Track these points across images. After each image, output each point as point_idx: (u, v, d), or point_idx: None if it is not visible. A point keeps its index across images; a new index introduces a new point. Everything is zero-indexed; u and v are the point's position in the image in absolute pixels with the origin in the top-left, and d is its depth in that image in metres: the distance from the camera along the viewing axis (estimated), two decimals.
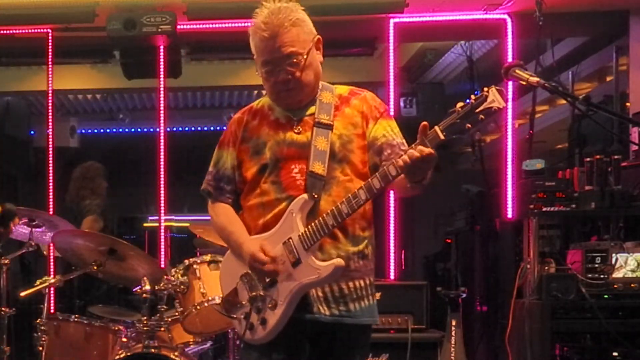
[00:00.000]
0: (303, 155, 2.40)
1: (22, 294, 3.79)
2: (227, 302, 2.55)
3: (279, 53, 2.35)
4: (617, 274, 4.11)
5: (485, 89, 2.15)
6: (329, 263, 2.32)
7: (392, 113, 2.55)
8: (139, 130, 9.20)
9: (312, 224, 2.33)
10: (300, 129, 2.44)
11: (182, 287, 3.68)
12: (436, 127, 2.18)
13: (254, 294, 2.41)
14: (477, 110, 2.14)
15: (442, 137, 2.16)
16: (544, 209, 4.24)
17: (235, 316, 2.51)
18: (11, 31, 5.47)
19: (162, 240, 5.68)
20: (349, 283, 2.41)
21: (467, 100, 2.15)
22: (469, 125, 2.14)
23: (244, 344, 2.51)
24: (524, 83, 2.33)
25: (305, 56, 2.38)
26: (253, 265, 2.40)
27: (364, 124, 2.45)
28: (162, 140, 5.59)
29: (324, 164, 2.38)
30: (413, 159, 2.16)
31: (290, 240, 2.36)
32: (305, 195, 2.37)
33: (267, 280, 2.40)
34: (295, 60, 2.36)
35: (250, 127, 2.51)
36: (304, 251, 2.34)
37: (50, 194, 5.51)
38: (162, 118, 5.69)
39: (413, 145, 2.20)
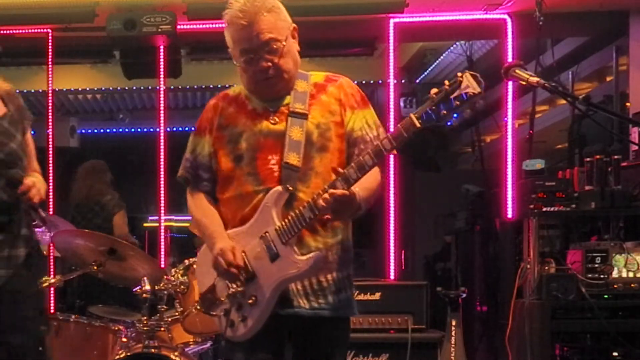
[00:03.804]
0: (279, 146, 2.37)
1: None
2: (205, 299, 2.50)
3: (258, 40, 2.32)
4: (617, 274, 4.12)
5: (459, 74, 2.13)
6: (308, 256, 2.29)
7: (367, 99, 2.51)
8: (139, 130, 9.20)
9: (289, 217, 2.29)
10: (277, 119, 2.39)
11: (182, 287, 3.68)
12: (411, 115, 2.16)
13: (232, 290, 2.36)
14: (452, 96, 2.12)
15: (417, 124, 2.15)
16: (544, 209, 4.24)
17: (214, 313, 2.46)
18: (11, 31, 5.47)
19: (162, 240, 5.68)
20: (328, 275, 2.38)
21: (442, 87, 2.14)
22: (445, 112, 2.13)
23: (227, 342, 2.47)
24: (524, 83, 2.32)
25: (283, 43, 2.34)
26: (218, 262, 2.35)
27: (342, 111, 2.41)
28: (162, 140, 5.59)
29: (299, 155, 2.34)
30: (328, 202, 2.18)
31: (267, 234, 2.33)
32: (279, 188, 2.33)
33: (246, 275, 2.35)
34: (274, 46, 2.33)
35: (226, 114, 2.47)
36: (281, 245, 2.31)
37: (50, 194, 5.50)
38: (162, 118, 5.69)
39: (327, 187, 2.20)
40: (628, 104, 5.37)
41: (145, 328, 3.58)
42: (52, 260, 5.27)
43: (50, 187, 5.52)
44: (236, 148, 2.41)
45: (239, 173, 2.40)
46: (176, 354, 3.54)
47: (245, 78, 2.42)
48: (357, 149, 2.39)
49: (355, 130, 2.41)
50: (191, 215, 2.57)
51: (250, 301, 2.35)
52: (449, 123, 7.01)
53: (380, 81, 6.83)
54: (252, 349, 2.39)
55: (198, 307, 2.64)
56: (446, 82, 2.14)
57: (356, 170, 2.21)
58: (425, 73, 7.41)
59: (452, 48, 6.73)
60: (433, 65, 7.22)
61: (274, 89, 2.40)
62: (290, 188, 2.33)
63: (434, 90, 2.15)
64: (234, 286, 2.36)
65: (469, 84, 2.10)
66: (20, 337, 2.60)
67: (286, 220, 2.30)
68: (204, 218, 2.49)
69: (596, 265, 4.11)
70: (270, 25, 2.32)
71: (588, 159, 4.30)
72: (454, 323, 4.49)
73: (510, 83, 5.07)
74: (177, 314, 3.74)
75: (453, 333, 4.47)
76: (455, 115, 2.08)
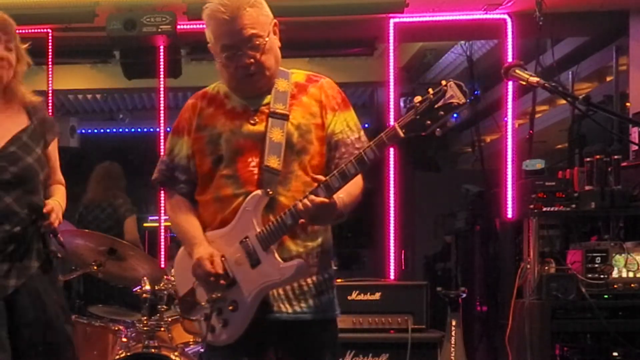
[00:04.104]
0: (260, 148, 2.30)
1: None
2: (184, 302, 2.42)
3: (240, 36, 2.25)
4: (617, 274, 4.12)
5: (444, 82, 2.06)
6: (291, 264, 2.24)
7: (349, 102, 2.45)
8: (139, 130, 9.21)
9: (270, 223, 2.23)
10: (257, 120, 2.32)
11: None
12: (395, 124, 2.10)
13: (213, 295, 2.29)
14: (437, 106, 2.05)
15: (401, 134, 2.08)
16: (544, 209, 4.23)
17: (194, 318, 2.39)
18: None
19: (162, 240, 5.68)
20: (308, 279, 2.32)
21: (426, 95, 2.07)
22: (429, 122, 2.05)
23: (207, 347, 2.42)
24: (524, 83, 2.32)
25: (266, 39, 2.27)
26: (196, 271, 2.29)
27: (323, 113, 2.34)
28: (162, 140, 5.58)
29: (279, 158, 2.27)
30: (308, 209, 2.13)
31: (247, 239, 2.27)
32: (259, 192, 2.26)
33: (226, 282, 2.29)
34: (257, 42, 2.25)
35: (205, 114, 2.39)
36: (263, 252, 2.25)
37: None
38: (162, 118, 5.69)
39: (309, 194, 2.16)
40: (628, 104, 5.37)
41: (145, 328, 3.58)
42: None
43: None
44: (216, 149, 2.34)
45: (218, 175, 2.34)
46: (176, 354, 3.54)
47: (225, 74, 2.35)
48: (338, 152, 2.34)
49: (336, 133, 2.35)
50: (169, 218, 2.51)
51: (231, 307, 2.29)
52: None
53: (380, 81, 6.83)
54: (233, 354, 2.33)
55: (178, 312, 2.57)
56: (430, 90, 2.07)
57: (338, 179, 2.15)
58: (425, 73, 7.42)
59: (452, 48, 6.73)
60: (433, 66, 7.22)
61: (255, 86, 2.33)
62: (271, 192, 2.26)
63: (417, 99, 2.07)
64: (215, 291, 2.29)
65: (454, 94, 2.03)
66: (49, 335, 2.61)
67: (267, 226, 2.24)
68: (182, 222, 2.42)
69: (596, 265, 4.11)
70: (253, 21, 2.25)
71: (588, 159, 4.30)
72: (454, 323, 4.49)
73: (510, 83, 5.08)
74: (177, 314, 3.74)
75: (453, 333, 4.47)
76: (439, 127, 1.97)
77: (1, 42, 2.67)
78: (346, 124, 2.37)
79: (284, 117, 2.31)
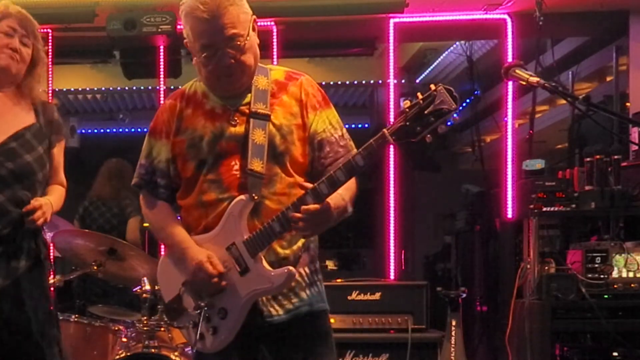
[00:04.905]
0: (242, 150, 2.24)
1: None
2: (171, 309, 2.36)
3: (221, 35, 2.17)
4: (617, 274, 4.12)
5: (432, 87, 2.01)
6: (280, 272, 2.19)
7: (329, 99, 2.41)
8: (139, 130, 9.19)
9: (259, 230, 2.18)
10: (237, 120, 2.26)
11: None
12: (384, 131, 2.06)
13: (201, 302, 2.24)
14: (426, 112, 2.00)
15: (391, 141, 2.05)
16: (544, 209, 4.24)
17: (181, 325, 2.35)
18: None
19: None
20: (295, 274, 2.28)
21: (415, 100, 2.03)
22: (420, 129, 2.01)
23: (196, 354, 2.37)
24: (524, 83, 2.31)
25: (247, 38, 2.21)
26: (198, 275, 2.23)
27: (304, 112, 2.29)
28: None
29: (262, 161, 2.21)
30: (302, 218, 2.09)
31: (234, 246, 2.21)
32: (244, 197, 2.21)
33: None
34: (237, 42, 2.18)
35: (185, 116, 2.31)
36: (250, 259, 2.20)
37: None
38: None
39: (297, 201, 2.11)
40: (628, 104, 5.37)
41: (145, 328, 3.58)
42: (52, 260, 5.26)
43: None
44: (198, 153, 2.28)
45: (202, 179, 2.28)
46: (176, 354, 3.54)
47: (204, 73, 2.27)
48: (323, 151, 2.29)
49: (319, 132, 2.29)
50: (150, 224, 2.46)
51: (220, 315, 2.25)
52: (449, 123, 7.02)
53: (380, 81, 6.84)
54: (225, 356, 2.29)
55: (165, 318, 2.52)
56: (419, 94, 2.02)
57: (327, 186, 2.10)
58: (425, 73, 7.42)
59: (452, 48, 6.73)
60: (433, 65, 7.23)
61: (235, 85, 2.27)
62: (256, 197, 2.20)
63: (406, 104, 2.02)
64: (203, 298, 2.26)
65: (444, 99, 1.98)
66: (29, 339, 2.58)
67: (254, 233, 2.19)
68: (167, 227, 2.36)
69: (596, 265, 4.11)
70: (233, 20, 2.18)
71: (588, 159, 4.30)
72: (454, 323, 4.49)
73: (510, 83, 5.08)
74: None
75: (453, 333, 4.47)
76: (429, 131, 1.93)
77: (17, 34, 2.62)
78: (328, 122, 2.32)
79: (266, 118, 2.26)
